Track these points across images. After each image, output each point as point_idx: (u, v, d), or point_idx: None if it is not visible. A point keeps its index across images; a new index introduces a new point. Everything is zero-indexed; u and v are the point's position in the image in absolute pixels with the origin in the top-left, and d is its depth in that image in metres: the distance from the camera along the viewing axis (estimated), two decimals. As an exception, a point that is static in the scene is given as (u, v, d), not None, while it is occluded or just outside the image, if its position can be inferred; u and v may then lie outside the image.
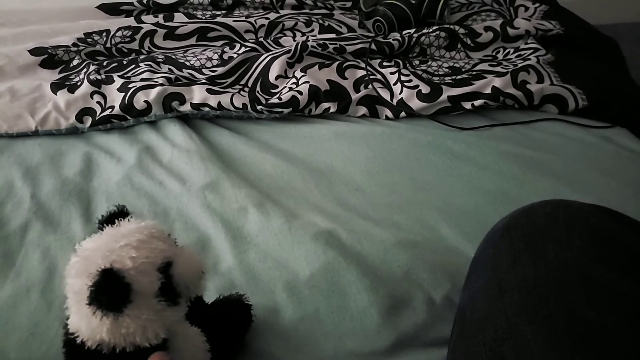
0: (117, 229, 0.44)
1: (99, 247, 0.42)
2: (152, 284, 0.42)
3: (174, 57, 0.95)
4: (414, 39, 0.96)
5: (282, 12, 1.07)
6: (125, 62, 0.93)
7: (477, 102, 0.84)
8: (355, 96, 0.86)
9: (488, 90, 0.85)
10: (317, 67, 0.90)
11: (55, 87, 0.88)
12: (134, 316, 0.41)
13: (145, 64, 0.91)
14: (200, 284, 0.46)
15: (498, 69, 0.91)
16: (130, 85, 0.86)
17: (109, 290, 0.40)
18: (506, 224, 0.46)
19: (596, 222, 0.42)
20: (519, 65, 0.90)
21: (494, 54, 0.97)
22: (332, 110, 0.86)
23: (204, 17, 1.05)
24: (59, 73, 0.93)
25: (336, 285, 0.60)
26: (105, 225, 0.46)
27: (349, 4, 1.11)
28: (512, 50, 0.96)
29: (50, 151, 0.80)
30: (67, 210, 0.71)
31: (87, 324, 0.41)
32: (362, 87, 0.88)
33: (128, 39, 0.98)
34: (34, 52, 0.95)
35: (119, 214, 0.47)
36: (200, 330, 0.51)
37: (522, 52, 0.95)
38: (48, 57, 0.94)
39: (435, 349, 0.56)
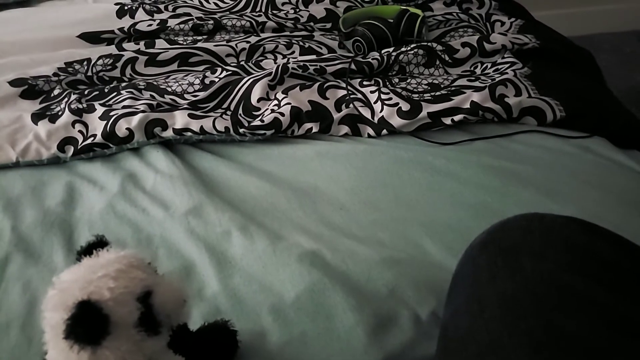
0: (95, 259, 0.44)
1: (76, 278, 0.42)
2: (131, 314, 0.41)
3: (155, 83, 0.95)
4: (392, 58, 0.97)
5: (263, 35, 1.09)
6: (106, 90, 0.94)
7: (457, 117, 0.85)
8: (336, 116, 0.87)
9: (467, 105, 0.86)
10: (298, 88, 0.91)
11: (36, 117, 0.88)
12: (112, 348, 0.41)
13: (126, 91, 0.92)
14: (182, 312, 0.46)
15: (476, 83, 0.92)
16: (112, 113, 0.86)
17: (86, 323, 0.39)
18: (483, 239, 0.46)
19: (569, 233, 0.43)
20: (497, 79, 0.91)
21: (471, 69, 0.99)
22: (314, 130, 0.86)
23: (185, 43, 1.06)
24: (40, 103, 0.93)
25: (322, 306, 0.60)
26: (84, 256, 0.45)
27: (328, 25, 1.13)
28: (489, 65, 0.98)
29: (32, 182, 0.79)
30: (49, 241, 0.70)
31: (65, 358, 0.41)
32: (343, 106, 0.89)
33: (109, 67, 0.98)
34: (13, 83, 0.94)
35: (98, 244, 0.46)
36: (186, 359, 0.50)
37: (499, 67, 0.97)
38: (28, 88, 0.94)
39: (423, 367, 0.55)
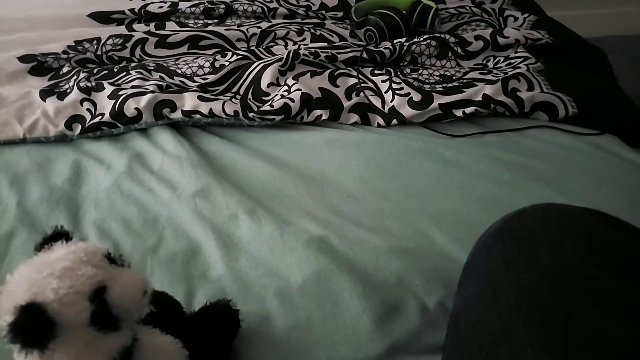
0: (44, 256, 0.42)
1: (21, 280, 0.40)
2: (80, 314, 0.39)
3: (165, 64, 0.94)
4: (404, 48, 0.96)
5: (274, 21, 1.08)
6: (116, 70, 0.93)
7: (468, 110, 0.84)
8: (347, 104, 0.86)
9: (479, 98, 0.85)
10: (309, 74, 0.90)
11: (44, 94, 0.87)
12: (63, 351, 0.39)
13: (136, 72, 0.91)
14: (142, 305, 0.43)
15: (488, 77, 0.91)
16: (120, 93, 0.85)
17: (27, 329, 0.37)
18: (498, 228, 0.45)
19: (588, 224, 0.42)
20: (509, 73, 0.91)
21: (484, 62, 0.98)
22: (324, 117, 0.85)
23: (195, 26, 1.05)
24: (49, 80, 0.92)
25: (328, 292, 0.59)
26: (39, 250, 0.43)
27: (340, 14, 1.12)
28: (502, 59, 0.97)
29: (39, 159, 0.79)
30: (54, 218, 0.70)
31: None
32: (353, 94, 0.88)
33: (119, 47, 0.97)
34: (23, 59, 0.94)
35: (57, 236, 0.44)
36: (185, 338, 0.50)
37: (512, 61, 0.96)
38: (37, 65, 0.93)
39: (428, 356, 0.55)
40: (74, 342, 0.39)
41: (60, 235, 0.44)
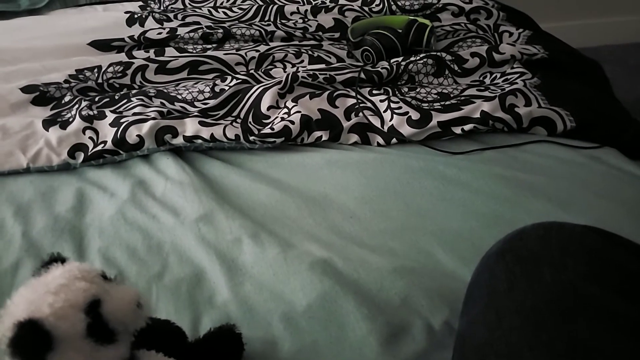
0: (41, 278, 0.44)
1: (21, 299, 0.43)
2: (76, 326, 0.41)
3: (165, 90, 0.96)
4: (402, 67, 0.98)
5: (272, 44, 1.09)
6: (117, 97, 0.94)
7: (467, 127, 0.85)
8: (346, 124, 0.87)
9: (477, 115, 0.86)
10: (308, 96, 0.91)
11: (47, 123, 0.88)
12: None
13: (137, 99, 0.92)
14: (137, 317, 0.45)
15: (486, 93, 0.92)
16: (122, 120, 0.86)
17: (23, 343, 0.40)
18: (500, 248, 0.46)
19: (589, 243, 0.42)
20: (507, 89, 0.92)
21: (481, 79, 0.99)
22: (324, 138, 0.86)
23: (194, 51, 1.06)
24: (51, 110, 0.93)
25: (334, 315, 0.59)
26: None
27: (337, 35, 1.13)
28: (498, 75, 0.98)
29: (42, 188, 0.79)
30: (59, 247, 0.70)
31: None
32: (352, 115, 0.89)
33: (119, 74, 0.99)
34: (25, 89, 0.95)
35: (53, 261, 0.46)
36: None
37: (508, 77, 0.97)
38: (40, 95, 0.95)
39: (436, 377, 0.55)
40: (71, 354, 0.41)
41: (56, 261, 0.46)
